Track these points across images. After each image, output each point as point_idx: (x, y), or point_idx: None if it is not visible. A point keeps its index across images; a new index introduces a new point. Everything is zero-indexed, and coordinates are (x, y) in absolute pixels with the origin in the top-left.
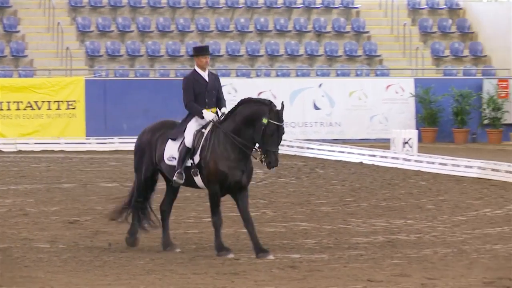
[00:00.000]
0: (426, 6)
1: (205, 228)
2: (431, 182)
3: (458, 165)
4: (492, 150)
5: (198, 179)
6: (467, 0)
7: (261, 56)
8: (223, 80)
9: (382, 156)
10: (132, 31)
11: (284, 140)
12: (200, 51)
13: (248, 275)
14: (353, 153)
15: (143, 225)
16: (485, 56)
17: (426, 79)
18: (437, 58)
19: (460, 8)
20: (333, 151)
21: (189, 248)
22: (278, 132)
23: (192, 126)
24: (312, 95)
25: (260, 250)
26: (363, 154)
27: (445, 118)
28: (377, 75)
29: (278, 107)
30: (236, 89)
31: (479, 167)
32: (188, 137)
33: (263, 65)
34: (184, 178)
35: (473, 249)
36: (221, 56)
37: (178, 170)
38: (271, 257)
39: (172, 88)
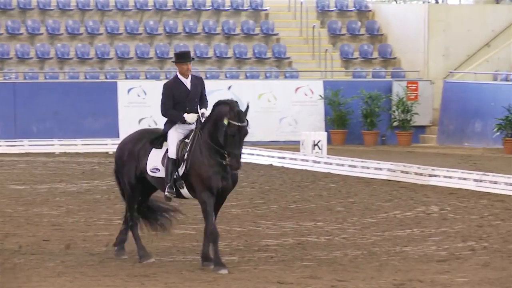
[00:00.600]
0: (335, 8)
1: (115, 230)
2: (340, 184)
3: (367, 167)
4: (401, 152)
5: (184, 191)
6: (376, 2)
7: (169, 58)
8: (132, 83)
9: (291, 158)
10: (41, 34)
11: None
12: (180, 58)
13: (158, 277)
14: (262, 156)
15: (158, 224)
16: (394, 58)
17: (335, 81)
18: (346, 60)
19: (369, 10)
20: (242, 153)
21: (100, 250)
22: (239, 133)
23: (174, 136)
24: (221, 97)
25: (205, 259)
26: (273, 157)
27: (354, 120)
28: (286, 78)
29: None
30: (145, 92)
31: (389, 169)
32: (172, 148)
33: (172, 67)
34: (175, 192)
35: (383, 251)
36: (131, 58)
37: (168, 185)
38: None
39: (81, 90)
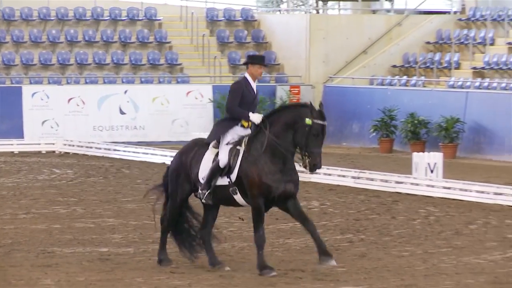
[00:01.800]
0: (223, 18)
1: (20, 224)
2: None
3: None
4: None
5: (238, 197)
6: (261, 13)
7: (71, 65)
8: (36, 87)
9: None
10: None
11: (92, 142)
12: (257, 60)
13: (60, 267)
14: (156, 155)
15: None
16: (278, 64)
17: (224, 86)
18: (234, 66)
19: (255, 20)
20: (138, 152)
21: (6, 242)
22: (322, 132)
23: (228, 140)
24: (118, 101)
25: (323, 253)
26: (166, 155)
27: None
28: (178, 82)
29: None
30: (48, 95)
31: None
32: (223, 157)
33: (73, 73)
34: (211, 198)
35: (268, 243)
36: (35, 65)
37: (206, 191)
38: (333, 262)
39: None
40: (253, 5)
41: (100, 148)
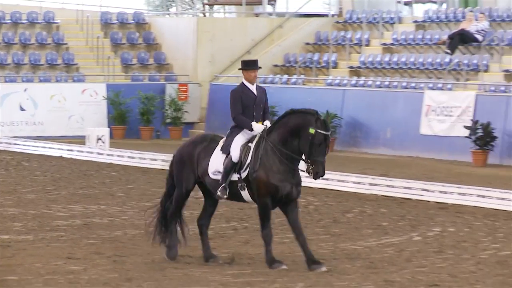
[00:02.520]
0: (116, 21)
1: None
2: (121, 173)
3: (144, 158)
4: (173, 145)
5: (245, 193)
6: (152, 16)
7: None
8: None
9: (78, 151)
10: None
11: None
12: (249, 65)
13: None
14: (54, 148)
15: (184, 234)
16: (167, 64)
17: (117, 84)
18: (126, 66)
19: (146, 23)
20: (37, 146)
21: None
22: (325, 141)
23: (239, 140)
24: (19, 98)
25: (312, 262)
26: (63, 149)
27: (133, 117)
28: (74, 81)
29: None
30: None
31: (163, 160)
32: (235, 152)
33: None
34: (228, 192)
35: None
36: None
37: (222, 185)
38: (324, 268)
39: None
40: (145, 9)
41: (1, 142)
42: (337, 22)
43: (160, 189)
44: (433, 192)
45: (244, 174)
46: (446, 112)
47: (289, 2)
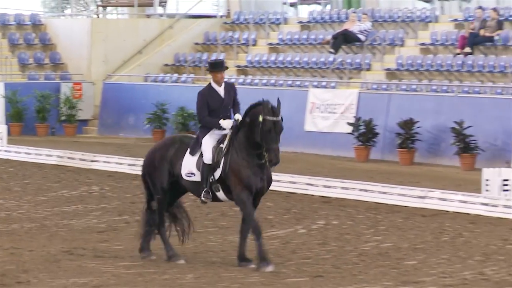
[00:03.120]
0: (14, 22)
1: None
2: (18, 169)
3: (40, 154)
4: (68, 142)
5: (220, 194)
6: (48, 17)
7: None
8: None
9: None
10: None
11: None
12: (215, 67)
13: None
14: None
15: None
16: (62, 63)
17: (14, 83)
18: (23, 65)
19: (42, 24)
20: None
21: None
22: (275, 127)
23: (209, 141)
24: None
25: (243, 259)
26: None
27: (29, 115)
28: None
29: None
30: None
31: (58, 156)
32: (207, 154)
33: None
34: (211, 196)
35: (53, 224)
36: None
37: (205, 189)
38: (252, 266)
39: None
40: (41, 11)
41: None
42: (225, 23)
43: (55, 183)
44: (317, 186)
45: (217, 175)
46: (329, 109)
47: (179, 3)
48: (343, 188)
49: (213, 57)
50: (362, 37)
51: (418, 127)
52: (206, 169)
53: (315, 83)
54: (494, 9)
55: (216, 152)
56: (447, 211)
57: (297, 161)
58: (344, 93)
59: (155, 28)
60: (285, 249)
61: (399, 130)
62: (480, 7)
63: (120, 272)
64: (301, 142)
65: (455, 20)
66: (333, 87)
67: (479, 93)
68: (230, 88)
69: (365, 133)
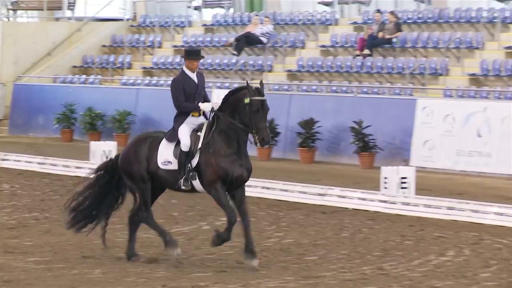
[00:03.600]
0: None
1: None
2: None
3: None
4: None
5: (196, 183)
6: None
7: None
8: None
9: None
10: None
11: None
12: (191, 55)
13: None
14: None
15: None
16: None
17: None
18: None
19: None
20: None
21: None
22: (263, 107)
23: (185, 129)
24: None
25: (248, 251)
26: None
27: None
28: None
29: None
30: None
31: None
32: (184, 141)
33: None
34: (190, 183)
35: None
36: None
37: (183, 177)
38: (255, 262)
39: None
40: None
41: None
42: (132, 26)
43: None
44: None
45: (194, 162)
46: None
47: (87, 7)
48: (246, 186)
49: (120, 59)
50: (264, 39)
51: (318, 127)
52: (184, 157)
53: (219, 84)
54: (392, 12)
55: (194, 140)
56: (346, 208)
57: None
58: None
59: (64, 31)
60: (190, 245)
61: (300, 130)
62: (378, 11)
63: (30, 267)
64: None
65: (355, 23)
66: None
67: (378, 94)
68: (201, 76)
69: None
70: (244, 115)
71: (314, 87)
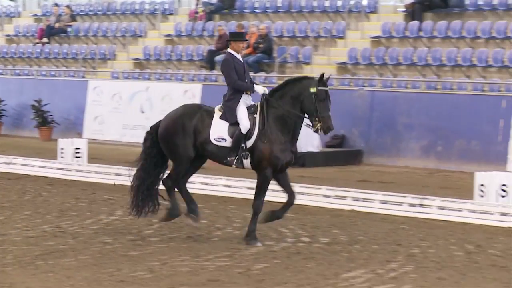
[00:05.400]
0: None
1: None
2: None
3: None
4: None
5: (247, 162)
6: None
7: None
8: None
9: None
10: None
11: None
12: (237, 36)
13: None
14: None
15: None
16: None
17: None
18: None
19: None
20: None
21: None
22: (327, 96)
23: (244, 111)
24: None
25: (273, 216)
26: None
27: None
28: None
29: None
30: None
31: None
32: (245, 122)
33: None
34: (241, 163)
35: None
36: None
37: (236, 157)
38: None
39: None
40: None
41: None
42: None
43: None
44: None
45: (249, 144)
46: None
47: None
48: None
49: None
50: None
51: (4, 105)
52: (241, 137)
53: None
54: (68, 6)
55: (251, 122)
56: (28, 175)
57: None
58: None
59: None
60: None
61: None
62: (56, 4)
63: None
64: None
65: (35, 15)
66: None
67: (55, 76)
68: (245, 60)
69: None
70: (309, 103)
71: (0, 71)
